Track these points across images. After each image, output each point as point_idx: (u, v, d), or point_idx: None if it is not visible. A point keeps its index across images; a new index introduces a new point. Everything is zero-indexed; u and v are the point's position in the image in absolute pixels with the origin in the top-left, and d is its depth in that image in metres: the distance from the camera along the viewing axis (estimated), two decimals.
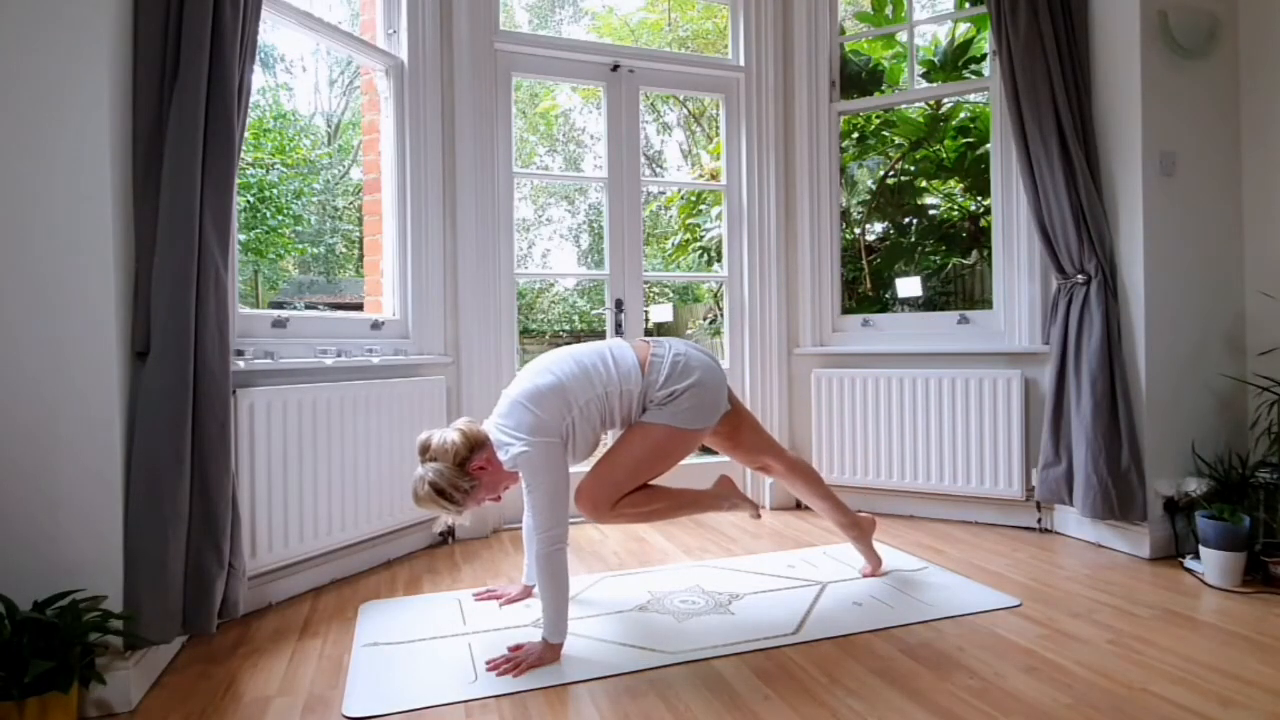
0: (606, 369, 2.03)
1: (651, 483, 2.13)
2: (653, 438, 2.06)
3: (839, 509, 2.49)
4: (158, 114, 1.82)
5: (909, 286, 4.67)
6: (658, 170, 10.50)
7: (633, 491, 2.07)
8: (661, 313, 7.66)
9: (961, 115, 4.72)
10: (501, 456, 1.93)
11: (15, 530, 1.63)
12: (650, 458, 2.07)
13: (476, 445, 1.96)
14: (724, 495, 2.30)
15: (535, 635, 2.02)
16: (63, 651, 1.51)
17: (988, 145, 3.64)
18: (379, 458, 2.68)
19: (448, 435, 1.95)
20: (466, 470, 1.93)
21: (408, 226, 3.01)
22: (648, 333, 4.86)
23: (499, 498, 2.05)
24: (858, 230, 5.20)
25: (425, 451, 1.96)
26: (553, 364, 2.03)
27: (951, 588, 2.38)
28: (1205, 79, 2.78)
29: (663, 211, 8.72)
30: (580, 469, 2.07)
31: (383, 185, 3.08)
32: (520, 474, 1.92)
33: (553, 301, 10.07)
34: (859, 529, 2.51)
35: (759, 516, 2.40)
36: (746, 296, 3.61)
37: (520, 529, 3.22)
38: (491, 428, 1.99)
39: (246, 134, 2.12)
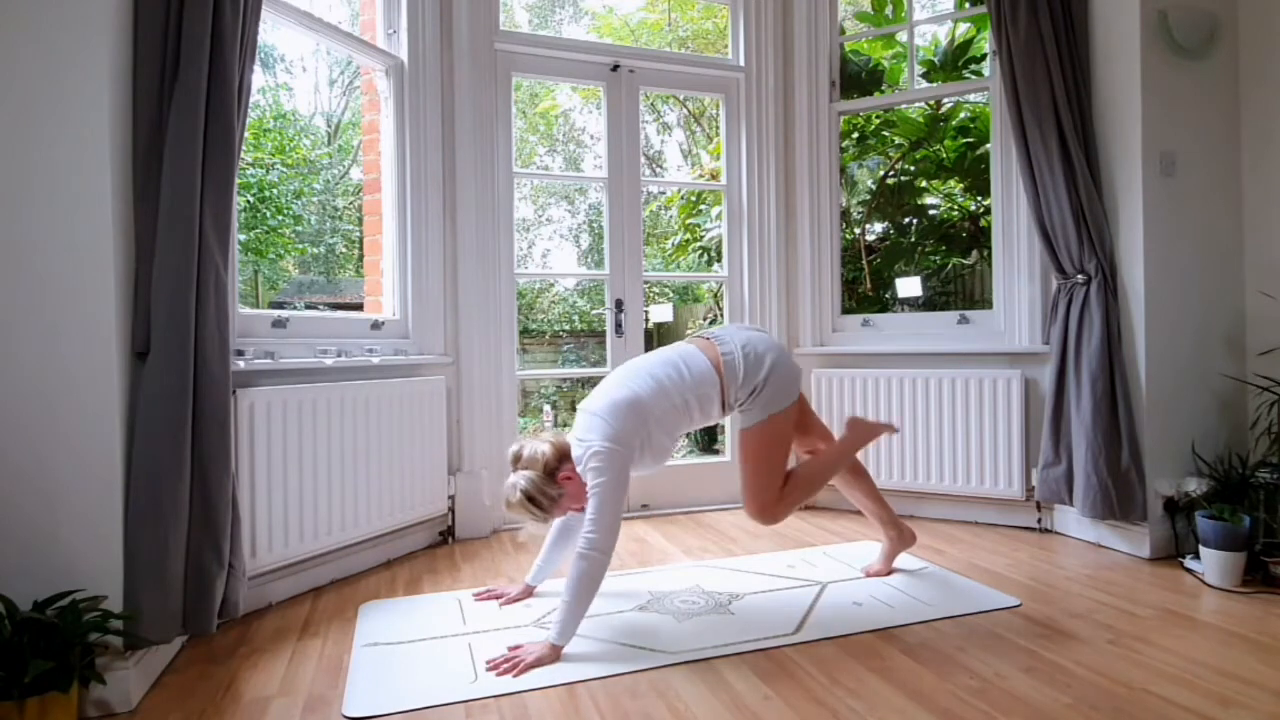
0: (680, 378, 2.10)
1: (796, 464, 2.34)
2: (762, 435, 2.18)
3: (884, 506, 2.53)
4: (158, 114, 1.82)
5: (909, 286, 4.66)
6: (658, 170, 10.50)
7: (787, 479, 2.23)
8: (661, 313, 7.65)
9: (961, 115, 4.72)
10: (575, 454, 2.01)
11: (15, 530, 1.63)
12: (772, 450, 2.19)
13: (564, 456, 2.06)
14: (860, 435, 2.46)
15: (535, 635, 2.02)
16: (63, 651, 1.51)
17: (988, 145, 3.64)
18: (379, 458, 2.68)
19: (538, 446, 2.04)
20: (555, 479, 2.03)
21: (408, 226, 3.01)
22: (648, 333, 4.85)
23: (582, 507, 2.10)
24: (858, 230, 5.20)
25: (518, 461, 2.05)
26: (628, 378, 2.11)
27: (951, 588, 2.38)
28: (1205, 79, 2.78)
29: (663, 211, 8.72)
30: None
31: (383, 185, 3.08)
32: (589, 476, 1.98)
33: (553, 301, 10.05)
34: (898, 530, 2.53)
35: (897, 430, 2.70)
36: (746, 296, 3.60)
37: (522, 529, 3.22)
38: (573, 441, 2.07)
39: (246, 134, 2.12)
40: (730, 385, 2.14)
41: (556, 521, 2.27)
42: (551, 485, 2.01)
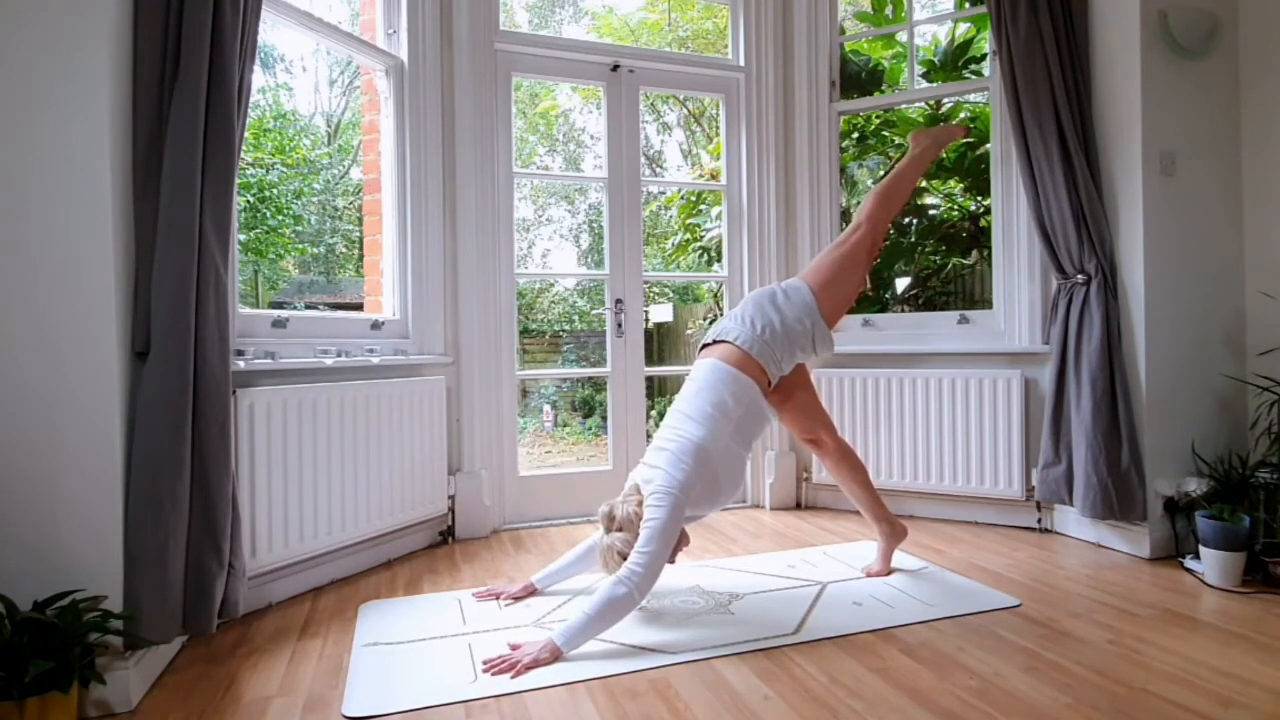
0: (726, 409, 2.18)
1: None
2: (833, 298, 2.46)
3: (879, 503, 2.56)
4: (158, 114, 1.82)
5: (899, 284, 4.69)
6: (658, 170, 10.49)
7: (867, 223, 2.54)
8: (661, 313, 7.64)
9: (962, 115, 4.71)
10: (645, 493, 2.09)
11: (15, 530, 1.63)
12: (843, 290, 2.51)
13: None
14: (923, 145, 2.63)
15: (535, 635, 2.02)
16: (63, 651, 1.51)
17: (988, 145, 3.64)
18: (379, 458, 2.68)
19: (629, 508, 2.09)
20: None
21: (408, 226, 3.01)
22: (648, 334, 4.84)
23: (673, 560, 2.16)
24: None
25: (611, 521, 2.11)
26: (680, 427, 2.16)
27: (951, 588, 2.38)
28: (1205, 79, 2.78)
29: (663, 211, 8.72)
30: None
31: (383, 185, 3.08)
32: (646, 510, 2.05)
33: (553, 301, 10.05)
34: (890, 525, 2.55)
35: (968, 131, 2.75)
36: None
37: (521, 529, 3.22)
38: (640, 483, 2.13)
39: (246, 134, 2.12)
40: (770, 365, 2.30)
41: (591, 539, 2.32)
42: None
